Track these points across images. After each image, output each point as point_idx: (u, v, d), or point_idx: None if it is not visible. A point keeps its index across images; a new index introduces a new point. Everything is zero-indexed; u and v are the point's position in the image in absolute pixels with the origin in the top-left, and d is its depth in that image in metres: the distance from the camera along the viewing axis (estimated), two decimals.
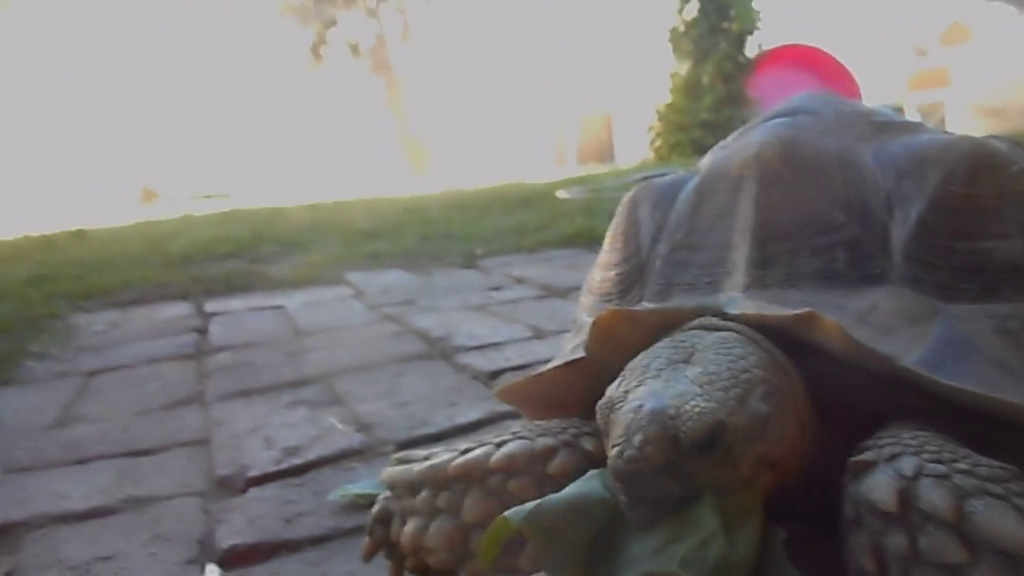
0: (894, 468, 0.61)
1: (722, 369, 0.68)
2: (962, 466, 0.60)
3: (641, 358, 0.72)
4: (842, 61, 9.61)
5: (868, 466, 0.63)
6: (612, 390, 0.69)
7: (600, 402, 0.69)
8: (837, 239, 0.80)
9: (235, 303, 3.13)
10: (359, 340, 2.32)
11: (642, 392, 0.66)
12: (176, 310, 3.12)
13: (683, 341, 0.73)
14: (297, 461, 1.42)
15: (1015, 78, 9.00)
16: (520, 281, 3.04)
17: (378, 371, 1.96)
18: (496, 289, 2.92)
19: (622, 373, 0.72)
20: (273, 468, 1.40)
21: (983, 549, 0.56)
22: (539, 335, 2.16)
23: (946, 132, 0.89)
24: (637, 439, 0.62)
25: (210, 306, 3.10)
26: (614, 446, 0.63)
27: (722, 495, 0.63)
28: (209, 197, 9.20)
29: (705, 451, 0.62)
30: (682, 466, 0.61)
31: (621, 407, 0.66)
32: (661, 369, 0.69)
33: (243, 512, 1.24)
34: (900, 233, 0.79)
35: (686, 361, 0.70)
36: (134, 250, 4.74)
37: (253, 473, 1.38)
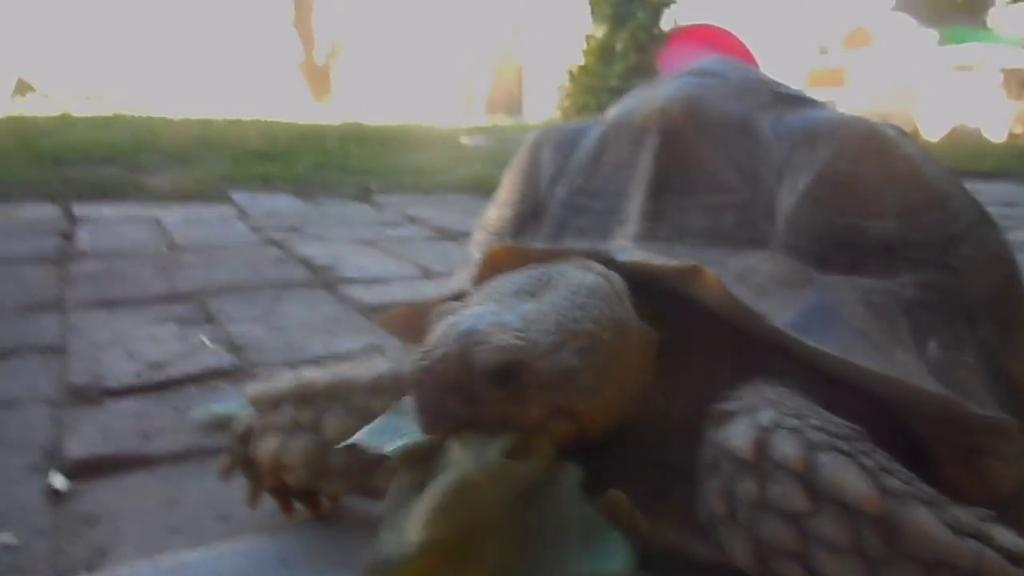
0: (753, 419, 0.64)
1: (553, 311, 0.68)
2: (815, 422, 0.63)
3: (498, 280, 0.73)
4: (750, 48, 9.89)
5: (729, 416, 0.65)
6: (455, 304, 0.70)
7: (437, 307, 0.69)
8: (727, 201, 0.82)
9: (107, 211, 2.95)
10: (239, 261, 2.23)
11: (471, 311, 0.67)
12: (42, 211, 2.90)
13: (544, 274, 0.73)
14: (160, 376, 1.36)
15: (904, 86, 9.54)
16: (414, 220, 3.00)
17: (256, 294, 1.89)
18: (388, 225, 2.87)
19: (479, 290, 0.72)
20: (133, 381, 1.33)
21: (825, 500, 0.59)
22: (428, 275, 2.14)
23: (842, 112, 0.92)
24: (438, 352, 0.62)
25: (79, 211, 2.90)
26: (419, 350, 0.64)
27: (510, 431, 0.63)
28: (91, 98, 8.54)
29: (497, 382, 0.62)
30: (472, 390, 0.62)
31: (447, 318, 0.66)
32: (504, 295, 0.70)
33: (97, 423, 1.18)
34: (786, 202, 0.81)
35: (533, 294, 0.70)
36: (1, 144, 4.36)
37: (111, 385, 1.31)
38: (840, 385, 0.73)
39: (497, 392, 0.63)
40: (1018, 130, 9.47)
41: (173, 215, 2.93)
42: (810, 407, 0.66)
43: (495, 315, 0.66)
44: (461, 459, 0.62)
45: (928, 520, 0.58)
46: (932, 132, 8.29)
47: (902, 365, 0.71)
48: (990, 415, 0.72)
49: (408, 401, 0.69)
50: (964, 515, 0.61)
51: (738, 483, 0.62)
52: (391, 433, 0.67)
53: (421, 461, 0.63)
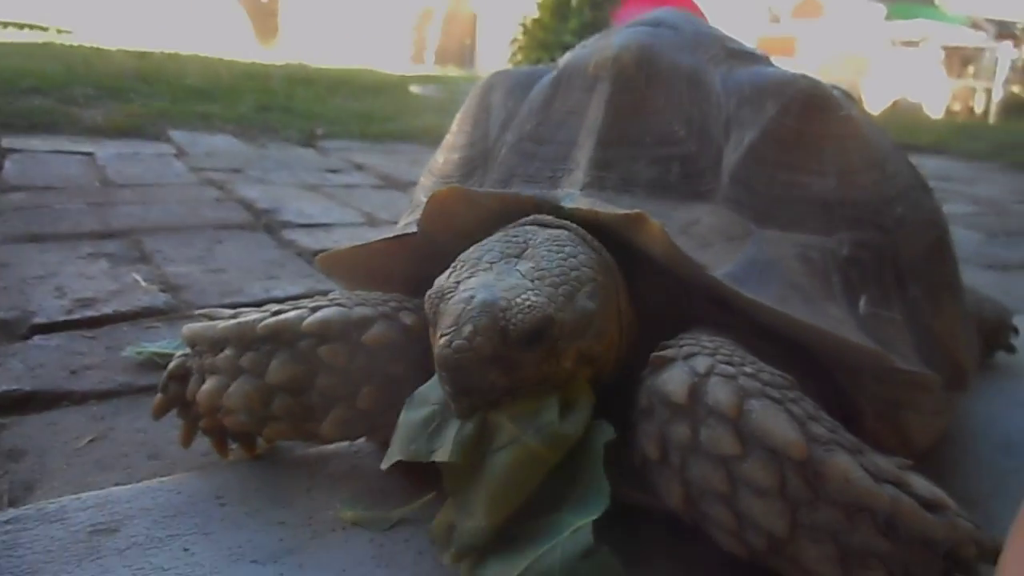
0: (689, 365, 0.65)
1: (553, 265, 0.69)
2: (748, 370, 0.65)
3: (473, 250, 0.72)
4: (703, 10, 9.89)
5: (666, 362, 0.67)
6: (442, 280, 0.69)
7: (429, 292, 0.68)
8: (675, 153, 0.82)
9: (37, 143, 2.81)
10: (175, 200, 2.16)
11: (474, 283, 0.66)
12: None
13: (516, 236, 0.73)
14: (91, 313, 1.32)
15: (851, 58, 9.69)
16: (360, 168, 2.95)
17: (193, 234, 1.84)
18: (333, 172, 2.82)
19: (453, 264, 0.71)
20: (62, 317, 1.29)
21: (754, 445, 0.61)
22: (373, 222, 2.11)
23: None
24: (467, 330, 0.62)
25: (7, 142, 2.76)
26: (442, 336, 0.63)
27: (547, 392, 0.65)
28: (23, 27, 8.07)
29: (532, 344, 0.63)
30: (509, 358, 0.63)
31: (451, 297, 0.65)
32: (493, 262, 0.69)
33: (24, 359, 1.14)
34: (731, 156, 0.82)
35: (519, 256, 0.70)
36: None
37: (39, 320, 1.27)
38: (775, 337, 0.75)
39: (533, 354, 0.64)
40: (956, 107, 9.74)
41: (107, 150, 2.81)
42: (744, 356, 0.67)
43: (502, 281, 0.66)
44: (519, 434, 0.63)
45: (850, 466, 0.61)
46: (875, 104, 8.47)
47: (833, 319, 0.73)
48: (914, 370, 0.75)
49: (423, 393, 0.68)
50: (884, 463, 0.63)
51: (672, 427, 0.64)
52: (426, 437, 0.66)
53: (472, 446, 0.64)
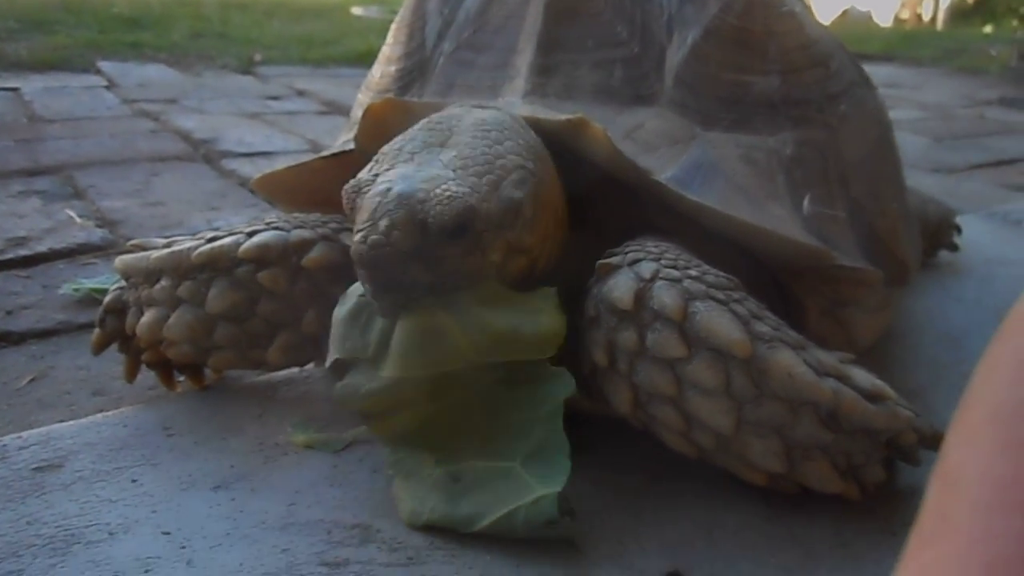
0: (634, 271, 0.64)
1: (477, 153, 0.65)
2: (693, 273, 0.65)
3: (396, 141, 0.68)
4: None
5: (612, 269, 0.66)
6: (362, 174, 0.65)
7: (347, 186, 0.64)
8: (617, 55, 0.80)
9: None
10: (108, 134, 2.07)
11: (391, 175, 0.62)
12: None
13: (440, 123, 0.69)
14: (24, 252, 1.27)
15: None
16: (301, 94, 2.85)
17: (128, 168, 1.77)
18: (274, 99, 2.72)
19: (375, 157, 0.67)
20: None
21: (699, 346, 0.61)
22: (317, 149, 2.05)
23: None
24: (383, 223, 0.58)
25: None
26: (358, 231, 0.59)
27: (473, 281, 0.62)
28: None
29: (454, 237, 0.60)
30: (430, 252, 0.59)
31: (368, 190, 0.62)
32: (415, 152, 0.65)
33: None
34: (675, 57, 0.80)
35: (442, 144, 0.66)
36: None
37: None
38: (720, 241, 0.75)
39: (455, 247, 0.60)
40: (904, 15, 9.73)
41: (33, 85, 2.67)
42: (689, 259, 0.67)
43: (421, 172, 0.62)
44: (431, 303, 0.61)
45: (792, 362, 0.61)
46: (825, 14, 8.41)
47: (777, 219, 0.73)
48: (857, 266, 0.76)
49: (353, 288, 0.66)
50: (825, 357, 0.64)
51: (619, 334, 0.64)
52: (359, 331, 0.64)
53: None
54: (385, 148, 0.67)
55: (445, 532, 0.63)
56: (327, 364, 0.66)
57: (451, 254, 0.61)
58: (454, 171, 0.62)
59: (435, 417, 0.65)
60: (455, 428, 0.65)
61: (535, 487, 0.60)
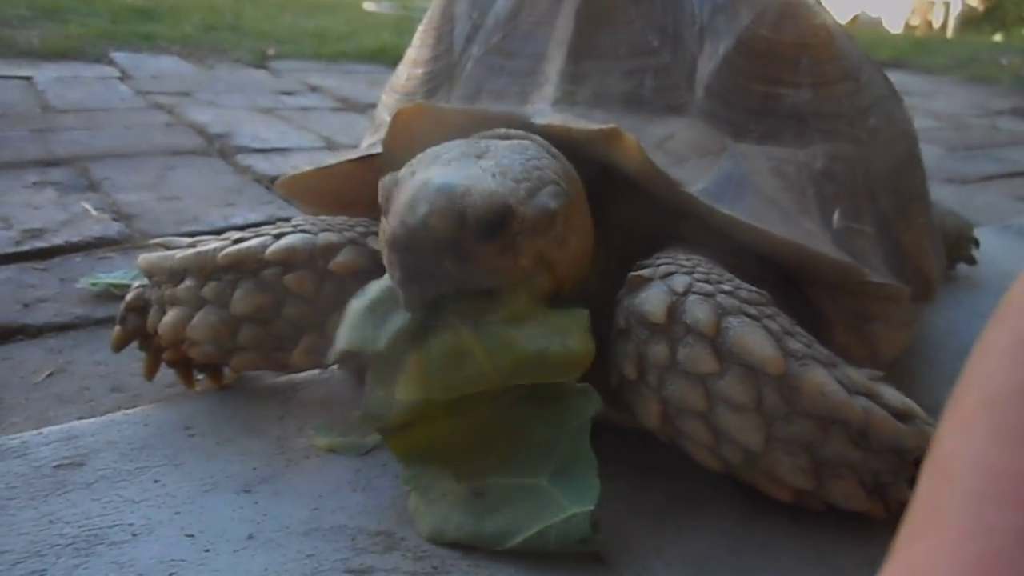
0: (667, 284, 0.64)
1: (515, 164, 0.65)
2: (726, 288, 0.64)
3: (434, 149, 0.68)
4: None
5: (644, 281, 0.66)
6: (398, 172, 0.65)
7: (384, 179, 0.64)
8: (648, 64, 0.79)
9: None
10: (122, 126, 2.07)
11: (432, 172, 0.62)
12: None
13: (479, 141, 0.70)
14: (40, 244, 1.27)
15: None
16: (315, 89, 2.85)
17: (143, 161, 1.77)
18: (288, 94, 2.72)
19: (410, 161, 0.67)
20: (11, 249, 1.24)
21: (731, 362, 0.61)
22: (333, 146, 2.05)
23: None
24: (422, 209, 0.58)
25: None
26: (395, 216, 0.59)
27: (502, 286, 0.62)
28: None
29: (490, 234, 0.60)
30: (464, 246, 0.59)
31: (407, 183, 0.62)
32: (453, 159, 0.65)
33: None
34: (706, 67, 0.80)
35: (480, 156, 0.66)
36: None
37: None
38: (747, 253, 0.74)
39: (489, 244, 0.60)
40: (915, 22, 9.72)
41: (45, 74, 2.67)
42: (721, 274, 0.66)
43: (462, 171, 0.61)
44: (456, 323, 0.60)
45: (824, 380, 0.61)
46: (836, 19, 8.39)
47: (807, 233, 0.73)
48: (885, 282, 0.75)
49: (373, 284, 0.65)
50: (856, 375, 0.64)
51: (650, 347, 0.63)
52: (372, 324, 0.63)
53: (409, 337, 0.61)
54: (422, 154, 0.67)
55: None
56: (330, 355, 0.65)
57: (484, 252, 0.60)
58: (493, 175, 0.62)
59: (454, 433, 0.64)
60: (476, 444, 0.64)
61: (566, 505, 0.60)
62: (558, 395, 0.63)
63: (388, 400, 0.62)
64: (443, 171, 0.62)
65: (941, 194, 1.77)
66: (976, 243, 1.33)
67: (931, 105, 3.44)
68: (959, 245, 1.29)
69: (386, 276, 0.64)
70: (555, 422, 0.63)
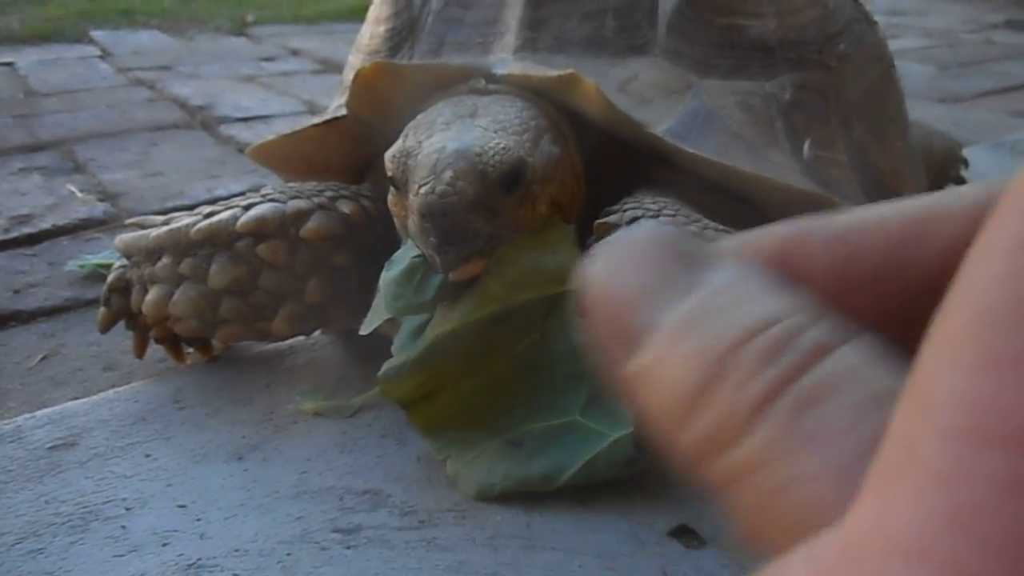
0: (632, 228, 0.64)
1: (511, 117, 0.67)
2: (693, 229, 0.64)
3: (423, 116, 0.69)
4: None
5: (610, 228, 0.65)
6: (401, 144, 0.66)
7: (391, 154, 0.65)
8: (608, 5, 0.78)
9: None
10: (105, 105, 2.05)
11: (439, 138, 0.63)
12: None
13: (462, 101, 0.71)
14: (28, 230, 1.27)
15: None
16: (296, 53, 2.81)
17: (127, 139, 1.76)
18: (268, 60, 2.68)
19: (404, 132, 0.68)
20: (0, 237, 1.24)
21: None
22: (314, 110, 2.03)
23: None
24: (447, 174, 0.60)
25: None
26: (421, 186, 0.60)
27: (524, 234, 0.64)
28: None
29: (511, 187, 0.62)
30: (490, 203, 0.61)
31: (419, 153, 0.63)
32: (449, 123, 0.67)
33: None
34: (667, 4, 0.78)
35: (472, 115, 0.68)
36: None
37: None
38: (719, 192, 0.74)
39: (511, 198, 0.63)
40: None
41: (27, 58, 2.64)
42: (688, 214, 0.66)
43: (467, 133, 0.64)
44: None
45: None
46: None
47: (776, 166, 0.72)
48: None
49: (400, 254, 0.67)
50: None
51: None
52: (412, 290, 0.65)
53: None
54: (413, 123, 0.68)
55: (454, 494, 0.64)
56: (366, 330, 0.67)
57: (507, 205, 0.63)
58: (495, 132, 0.64)
59: (476, 393, 0.66)
60: (500, 399, 0.66)
61: (606, 433, 0.62)
62: (567, 335, 0.64)
63: (406, 367, 0.64)
64: (450, 135, 0.63)
65: (933, 114, 1.75)
66: (965, 163, 1.31)
67: (924, 23, 3.37)
68: (947, 166, 1.28)
69: (408, 244, 0.66)
70: (570, 360, 0.64)
